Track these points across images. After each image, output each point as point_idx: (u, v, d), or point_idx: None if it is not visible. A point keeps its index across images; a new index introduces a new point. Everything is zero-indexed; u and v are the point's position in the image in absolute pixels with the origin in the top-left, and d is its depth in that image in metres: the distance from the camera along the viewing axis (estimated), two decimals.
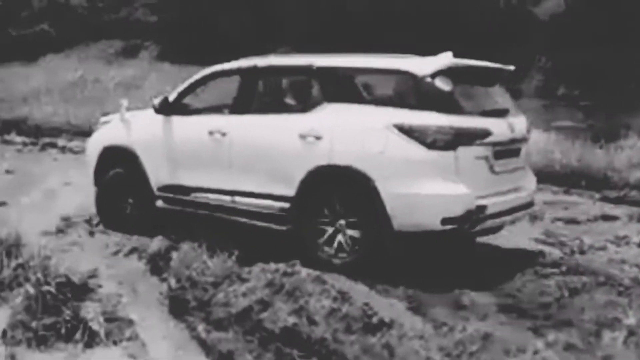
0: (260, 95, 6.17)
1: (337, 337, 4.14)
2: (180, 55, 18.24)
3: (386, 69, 5.59)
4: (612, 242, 6.85)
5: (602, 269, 5.62)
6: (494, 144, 5.39)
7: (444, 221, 5.10)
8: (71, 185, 9.02)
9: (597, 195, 9.28)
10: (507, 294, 5.09)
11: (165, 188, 6.49)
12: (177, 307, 4.73)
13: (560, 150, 10.60)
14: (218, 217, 6.19)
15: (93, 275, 5.27)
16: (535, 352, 3.91)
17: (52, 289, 4.56)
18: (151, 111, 6.58)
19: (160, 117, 6.51)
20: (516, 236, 6.70)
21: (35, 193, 8.64)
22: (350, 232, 5.39)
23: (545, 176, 9.40)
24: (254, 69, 6.19)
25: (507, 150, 5.59)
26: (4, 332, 4.33)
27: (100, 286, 5.12)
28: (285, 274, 4.83)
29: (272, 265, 4.97)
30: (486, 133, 5.31)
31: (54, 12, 24.78)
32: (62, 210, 7.44)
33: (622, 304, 4.69)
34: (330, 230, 5.47)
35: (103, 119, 7.51)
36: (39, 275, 4.67)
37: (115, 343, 4.30)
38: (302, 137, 5.55)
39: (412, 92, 5.31)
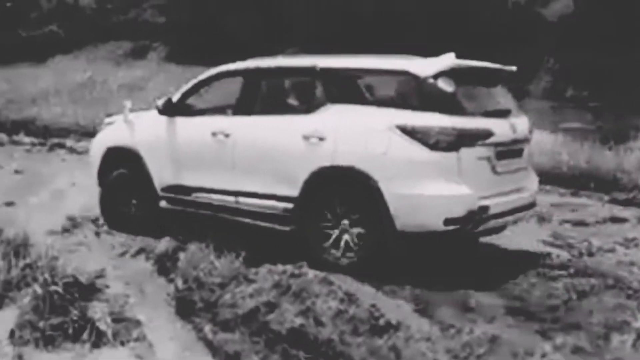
0: (263, 97, 6.18)
1: (343, 338, 4.14)
2: (188, 56, 18.27)
3: (389, 70, 5.62)
4: (621, 245, 6.81)
5: (611, 272, 5.59)
6: (496, 145, 5.41)
7: (447, 222, 5.13)
8: (79, 186, 9.05)
9: (606, 197, 9.23)
10: (515, 296, 5.07)
11: (169, 188, 6.51)
12: (184, 308, 4.74)
13: (568, 152, 10.56)
14: (223, 218, 6.20)
15: (100, 275, 5.28)
16: (543, 355, 3.90)
17: (60, 289, 4.58)
18: (155, 112, 6.61)
19: (163, 118, 6.53)
20: (524, 238, 6.67)
21: (43, 193, 8.67)
22: (353, 232, 5.41)
23: (554, 178, 9.38)
24: (257, 70, 6.23)
25: (509, 150, 5.61)
26: (12, 332, 4.35)
27: (107, 286, 5.13)
28: (292, 275, 4.83)
29: (279, 267, 4.97)
30: (488, 134, 5.33)
31: (63, 13, 24.89)
32: (70, 210, 7.46)
33: (631, 307, 4.67)
34: (333, 230, 5.49)
35: (107, 120, 7.53)
36: (47, 275, 4.69)
37: (122, 343, 4.31)
38: (306, 138, 5.57)
39: (415, 93, 5.34)
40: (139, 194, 6.72)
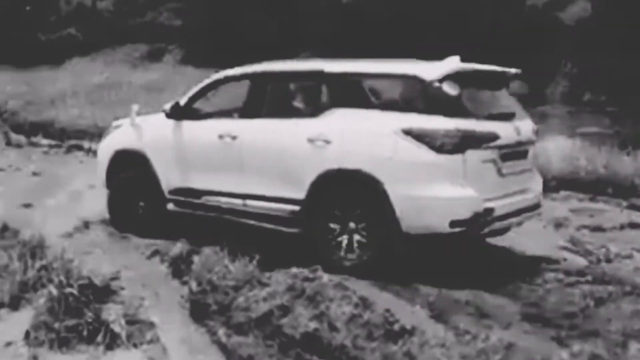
0: (270, 100, 6.22)
1: (357, 343, 4.11)
2: (204, 59, 18.37)
3: (394, 74, 5.67)
4: (639, 251, 6.72)
5: (629, 278, 5.54)
6: (501, 147, 5.46)
7: (452, 224, 5.16)
8: (95, 188, 9.07)
9: (624, 203, 9.12)
10: (531, 303, 5.02)
11: (176, 191, 6.55)
12: (198, 311, 4.73)
13: (586, 157, 10.46)
14: (231, 221, 6.22)
15: (115, 277, 5.30)
16: None
17: (75, 291, 4.59)
18: (162, 115, 6.66)
19: (171, 121, 6.58)
20: (541, 243, 6.62)
21: (60, 195, 8.73)
22: (359, 234, 5.44)
23: (571, 183, 9.31)
24: (264, 74, 6.29)
25: (514, 152, 5.66)
26: (27, 333, 4.37)
27: (122, 288, 5.14)
28: (306, 279, 4.83)
29: (293, 270, 4.97)
30: (493, 136, 5.37)
31: (81, 16, 25.13)
32: (86, 212, 7.49)
33: None
34: (339, 232, 5.52)
35: (114, 123, 7.59)
36: (62, 277, 4.71)
37: (135, 346, 4.31)
38: (312, 141, 5.61)
39: (420, 97, 5.38)
40: (147, 197, 6.76)
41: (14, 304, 4.86)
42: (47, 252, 5.46)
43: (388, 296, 4.92)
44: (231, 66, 6.72)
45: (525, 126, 5.88)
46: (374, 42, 15.83)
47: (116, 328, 4.38)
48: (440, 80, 5.31)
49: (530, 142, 5.97)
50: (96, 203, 7.83)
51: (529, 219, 6.03)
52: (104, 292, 4.88)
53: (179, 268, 5.58)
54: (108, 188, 7.11)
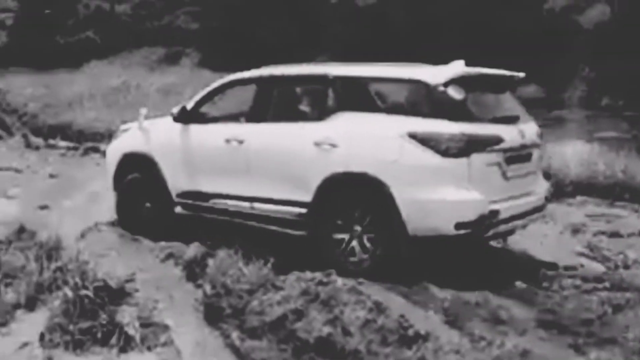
0: (276, 104, 6.27)
1: (371, 348, 4.10)
2: (221, 62, 18.42)
3: (400, 78, 5.71)
4: None
5: None
6: (506, 150, 5.50)
7: (458, 226, 5.20)
8: (112, 190, 9.14)
9: None
10: (547, 309, 4.97)
11: (184, 194, 6.60)
12: (212, 314, 4.74)
13: (604, 162, 10.34)
14: (244, 224, 6.24)
15: (130, 279, 5.31)
16: None
17: (90, 293, 4.62)
18: (169, 119, 6.72)
19: (178, 125, 6.63)
20: (558, 249, 6.55)
21: (77, 197, 8.78)
22: (365, 236, 5.48)
23: (588, 188, 9.20)
24: (270, 78, 6.34)
25: (519, 155, 5.70)
26: (42, 335, 4.40)
27: (137, 291, 5.16)
28: (320, 283, 4.82)
29: (308, 274, 4.97)
30: (498, 140, 5.41)
31: (99, 20, 25.35)
32: (102, 214, 7.53)
33: None
34: (346, 235, 5.56)
35: (122, 127, 7.66)
36: (77, 279, 4.74)
37: (149, 348, 4.33)
38: (318, 144, 5.66)
39: (426, 101, 5.43)
40: (154, 199, 6.81)
41: (30, 305, 4.91)
42: (63, 253, 5.50)
43: (402, 301, 4.89)
44: (248, 70, 6.75)
45: (529, 129, 5.92)
46: (391, 45, 15.82)
47: (130, 330, 4.41)
48: (445, 85, 5.36)
49: (535, 145, 6.00)
50: (111, 205, 7.86)
51: (533, 221, 6.06)
52: (119, 295, 4.90)
53: (194, 271, 5.59)
54: (116, 191, 7.17)
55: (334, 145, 5.59)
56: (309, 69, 6.45)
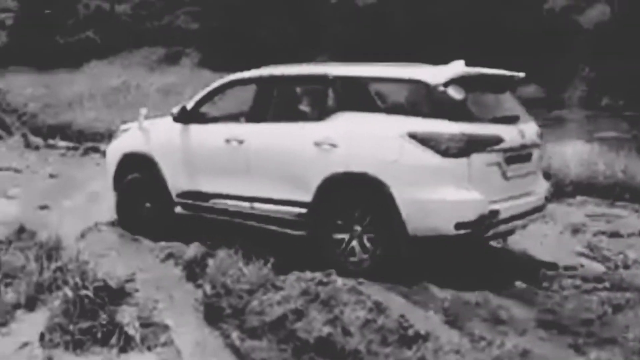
0: (276, 104, 6.27)
1: (371, 348, 4.10)
2: (221, 62, 18.41)
3: (400, 78, 5.72)
4: None
5: None
6: (506, 150, 5.51)
7: (458, 226, 5.21)
8: (112, 190, 9.14)
9: None
10: (547, 309, 4.97)
11: (184, 194, 6.61)
12: (212, 314, 4.74)
13: (604, 162, 10.34)
14: (244, 224, 6.24)
15: (130, 279, 5.31)
16: None
17: (90, 293, 4.62)
18: (169, 119, 6.73)
19: (178, 125, 6.64)
20: (558, 249, 6.55)
21: (77, 197, 8.78)
22: (365, 236, 5.49)
23: (588, 188, 9.20)
24: (270, 78, 6.34)
25: (519, 155, 5.72)
26: (42, 334, 4.40)
27: (137, 291, 5.15)
28: (320, 283, 4.82)
29: (308, 274, 4.97)
30: (498, 140, 5.42)
31: (99, 20, 25.35)
32: (102, 214, 7.53)
33: None
34: (345, 235, 5.56)
35: (122, 127, 7.66)
36: (77, 279, 4.74)
37: (149, 348, 4.33)
38: (318, 144, 5.67)
39: (426, 101, 5.45)
40: (154, 199, 6.82)
41: (30, 305, 4.91)
42: (63, 253, 5.49)
43: (402, 301, 4.89)
44: (248, 70, 6.75)
45: (529, 129, 5.94)
46: (391, 45, 15.82)
47: (130, 330, 4.41)
48: (445, 85, 5.37)
49: (535, 145, 6.02)
50: (111, 205, 7.87)
51: (533, 221, 6.07)
52: (119, 295, 4.90)
53: (194, 271, 5.59)
54: (116, 191, 7.17)
55: (334, 145, 5.60)
56: (309, 69, 6.46)
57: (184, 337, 4.49)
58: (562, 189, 8.85)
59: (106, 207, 7.78)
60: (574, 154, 10.10)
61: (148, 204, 6.86)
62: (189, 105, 6.66)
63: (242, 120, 6.45)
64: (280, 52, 16.03)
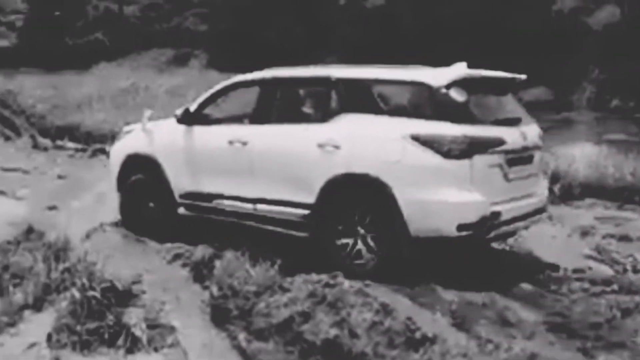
0: (279, 106, 6.29)
1: (378, 351, 4.09)
2: (230, 63, 18.44)
3: (402, 81, 5.74)
4: None
5: None
6: (507, 152, 5.53)
7: (460, 227, 5.22)
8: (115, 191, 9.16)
9: None
10: (556, 312, 4.94)
11: (187, 195, 6.63)
12: (219, 316, 4.74)
13: (612, 164, 10.29)
14: (250, 226, 6.25)
15: (137, 281, 5.32)
16: None
17: (97, 294, 4.63)
18: (173, 121, 6.76)
19: (182, 126, 6.67)
20: (566, 252, 6.51)
21: (85, 198, 8.80)
22: (368, 237, 5.50)
23: (597, 191, 9.14)
24: (274, 80, 6.36)
25: (520, 157, 5.74)
26: (50, 335, 4.42)
27: (143, 292, 5.16)
28: (327, 285, 4.81)
29: (314, 276, 4.96)
30: (500, 141, 5.45)
31: (108, 21, 25.48)
32: (110, 215, 7.55)
33: None
34: (348, 236, 5.57)
35: (125, 128, 7.68)
36: (85, 280, 4.75)
37: (156, 350, 4.34)
38: (321, 146, 5.69)
39: (428, 103, 5.47)
40: (158, 200, 6.83)
41: (38, 305, 4.93)
42: (71, 254, 5.51)
43: (409, 303, 4.87)
44: (254, 72, 6.75)
45: (531, 131, 5.96)
46: (399, 47, 15.80)
47: (137, 332, 4.42)
48: (447, 87, 5.39)
49: (536, 147, 6.05)
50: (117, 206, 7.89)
51: (534, 223, 6.08)
52: (126, 296, 4.91)
53: (201, 272, 5.59)
54: (119, 191, 7.20)
55: (337, 147, 5.62)
56: (312, 71, 6.48)
57: (191, 338, 4.49)
58: (570, 192, 8.80)
59: (114, 207, 7.79)
60: (582, 156, 10.05)
61: (152, 206, 6.88)
62: (193, 107, 6.69)
63: (246, 122, 6.49)
64: (288, 53, 16.05)
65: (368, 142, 5.53)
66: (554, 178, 8.85)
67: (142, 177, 6.95)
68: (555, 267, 6.07)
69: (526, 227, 6.03)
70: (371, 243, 5.48)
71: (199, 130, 6.60)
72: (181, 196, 6.66)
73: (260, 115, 6.30)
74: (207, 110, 6.72)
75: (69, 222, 6.85)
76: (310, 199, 5.72)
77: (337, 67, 6.27)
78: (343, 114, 5.73)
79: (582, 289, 5.42)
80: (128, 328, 4.43)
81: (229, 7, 22.62)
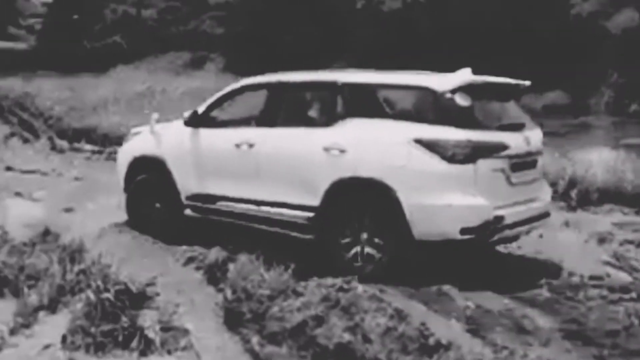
0: (286, 109, 6.36)
1: (391, 357, 4.07)
2: (246, 67, 18.51)
3: (407, 85, 5.83)
4: None
5: None
6: (511, 157, 5.59)
7: (463, 231, 5.29)
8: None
9: None
10: (572, 319, 4.89)
11: (194, 197, 6.67)
12: (232, 319, 4.74)
13: (631, 169, 10.17)
14: (252, 228, 6.30)
15: (151, 283, 5.32)
16: None
17: (111, 297, 4.64)
18: (180, 123, 6.81)
19: (189, 129, 6.72)
20: (583, 258, 6.45)
21: (101, 200, 8.83)
22: (372, 240, 5.54)
23: (615, 196, 9.05)
24: (281, 84, 6.44)
25: (524, 162, 5.80)
26: (64, 337, 4.43)
27: (157, 294, 5.16)
28: (341, 289, 4.80)
29: (328, 280, 4.95)
30: (503, 146, 5.52)
31: (126, 25, 25.68)
32: (123, 216, 7.57)
33: None
34: (352, 239, 5.61)
35: (133, 130, 7.74)
36: (99, 282, 4.76)
37: (169, 352, 4.34)
38: (327, 150, 5.75)
39: (433, 108, 5.54)
40: (164, 202, 6.88)
41: (53, 307, 4.94)
42: (86, 256, 5.53)
43: (423, 308, 4.85)
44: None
45: (534, 136, 6.03)
46: (416, 50, 15.76)
47: (151, 334, 4.42)
48: (452, 92, 5.46)
49: (540, 152, 6.12)
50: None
51: (537, 227, 6.12)
52: (140, 298, 4.91)
53: (215, 275, 5.60)
54: (126, 192, 7.25)
55: (342, 151, 5.67)
56: (318, 75, 6.53)
57: (204, 341, 4.49)
58: (587, 197, 8.72)
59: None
60: (600, 161, 9.95)
61: (159, 207, 6.92)
62: (200, 110, 6.75)
63: (253, 125, 6.56)
64: (304, 56, 16.06)
65: (373, 146, 5.58)
66: (571, 183, 8.77)
67: (149, 178, 7.00)
68: (572, 274, 6.01)
69: (529, 232, 6.08)
70: (375, 246, 5.51)
71: (206, 132, 6.65)
72: (187, 198, 6.71)
73: (267, 118, 6.37)
74: (214, 113, 6.79)
75: (85, 224, 6.89)
76: (315, 201, 5.77)
77: (343, 72, 6.37)
78: (349, 118, 5.79)
79: (600, 296, 5.36)
80: (142, 330, 4.43)
81: (246, 10, 22.72)
